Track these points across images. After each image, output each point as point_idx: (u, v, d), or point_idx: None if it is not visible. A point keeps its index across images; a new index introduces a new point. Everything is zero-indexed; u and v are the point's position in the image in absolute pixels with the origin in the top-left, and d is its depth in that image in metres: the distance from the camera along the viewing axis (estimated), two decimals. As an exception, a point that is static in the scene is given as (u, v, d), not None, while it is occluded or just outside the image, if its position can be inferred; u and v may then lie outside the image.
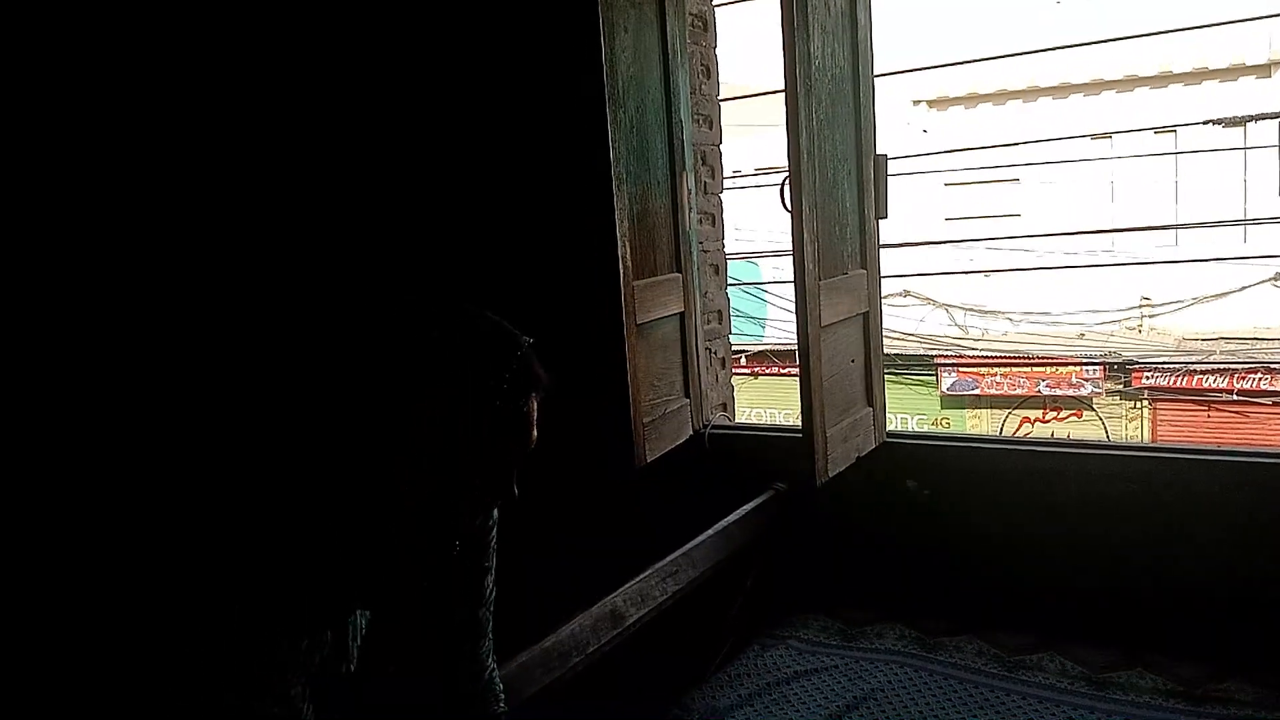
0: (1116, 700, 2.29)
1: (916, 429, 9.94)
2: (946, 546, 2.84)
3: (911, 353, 11.27)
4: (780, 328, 11.54)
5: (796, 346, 2.65)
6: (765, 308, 11.82)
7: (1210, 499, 2.52)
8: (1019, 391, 10.90)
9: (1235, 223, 9.03)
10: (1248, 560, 2.48)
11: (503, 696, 1.72)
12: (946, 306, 11.55)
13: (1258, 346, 9.40)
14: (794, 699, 2.39)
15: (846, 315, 2.71)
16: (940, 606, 2.76)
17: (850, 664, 2.53)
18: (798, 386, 2.63)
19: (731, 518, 2.83)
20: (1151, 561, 2.59)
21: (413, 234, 3.13)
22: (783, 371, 11.97)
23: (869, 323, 2.84)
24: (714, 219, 3.43)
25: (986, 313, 11.33)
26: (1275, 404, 9.05)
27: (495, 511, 1.62)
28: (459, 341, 1.39)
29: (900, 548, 2.92)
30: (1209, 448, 2.60)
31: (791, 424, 2.88)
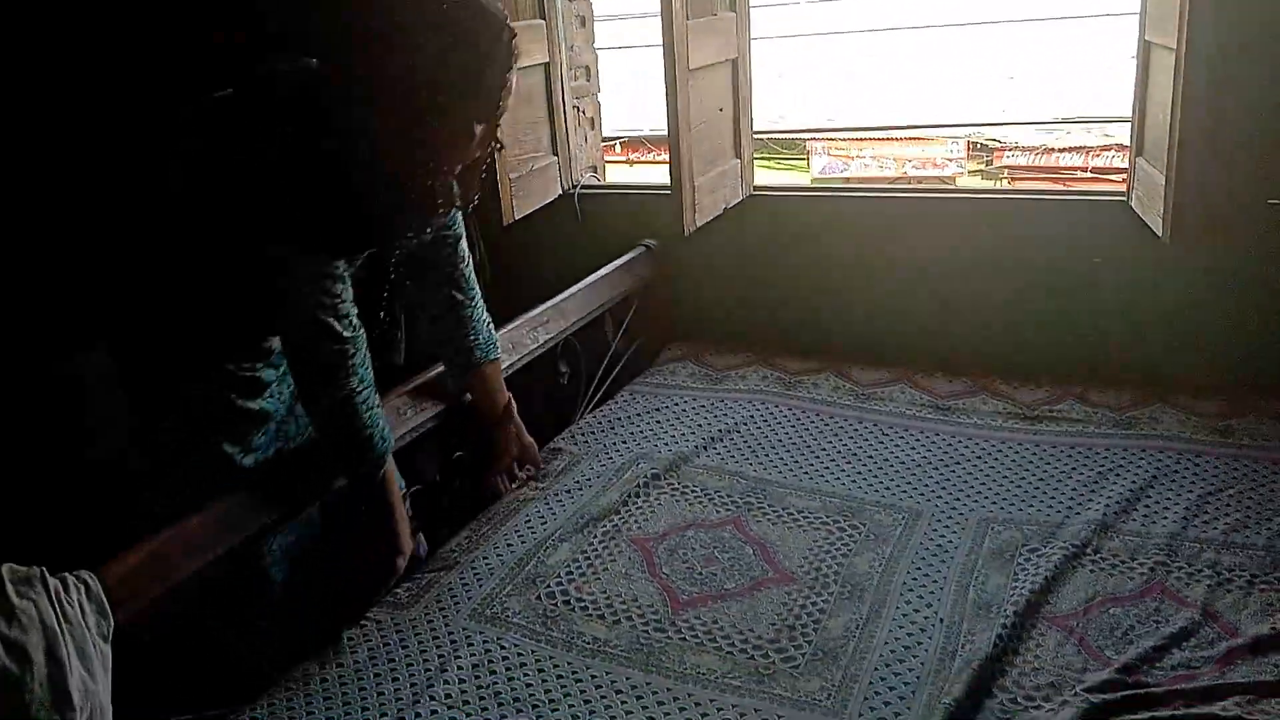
0: (960, 423, 2.46)
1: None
2: (809, 294, 2.94)
3: (785, 136, 11.28)
4: (656, 114, 11.33)
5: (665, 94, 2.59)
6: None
7: (1055, 238, 2.64)
8: (888, 173, 11.08)
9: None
10: (1086, 295, 2.64)
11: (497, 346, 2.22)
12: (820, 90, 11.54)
13: (1111, 135, 9.72)
14: (662, 434, 2.49)
15: (715, 60, 2.66)
16: (802, 350, 2.87)
17: (715, 403, 2.64)
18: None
19: (601, 272, 2.84)
20: (1000, 299, 2.73)
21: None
22: (658, 159, 11.86)
23: (737, 70, 2.80)
24: (579, -35, 3.27)
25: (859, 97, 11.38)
26: (1123, 180, 9.44)
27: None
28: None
29: (765, 297, 3.00)
30: (1054, 188, 2.71)
31: (663, 183, 2.86)
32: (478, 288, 2.17)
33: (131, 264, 1.87)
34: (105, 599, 1.46)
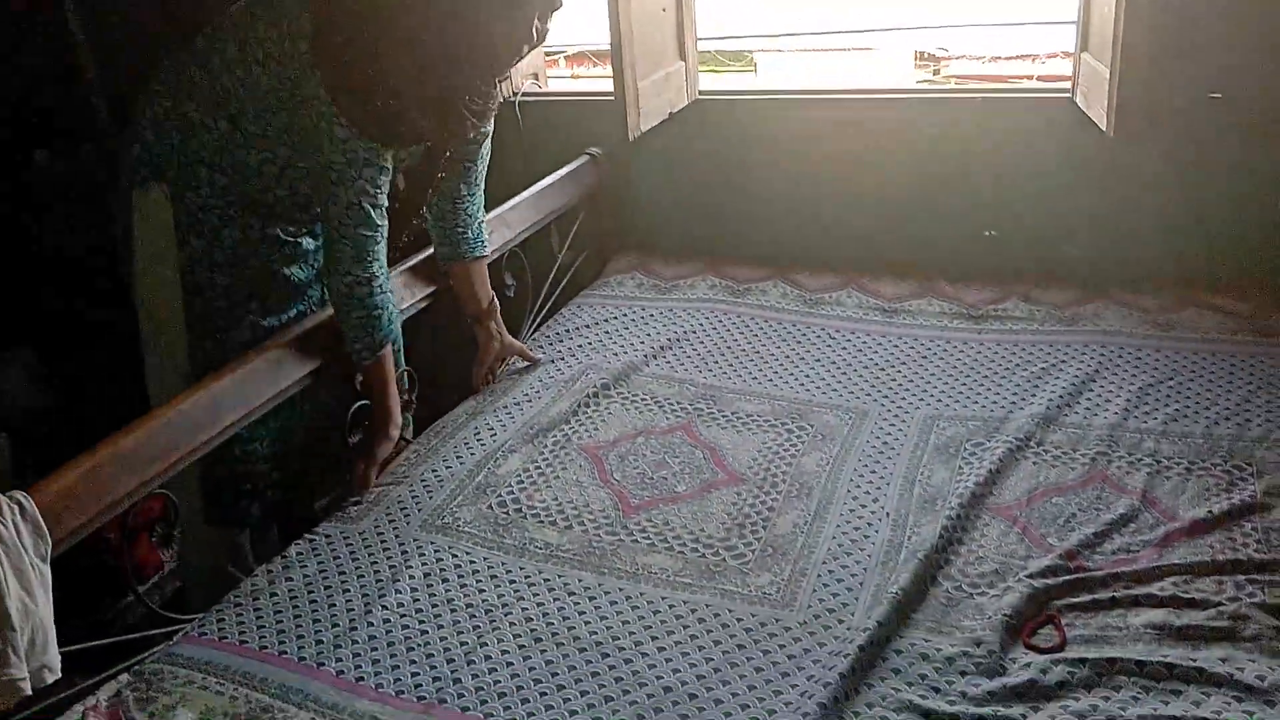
0: (906, 325, 2.47)
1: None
2: (756, 200, 2.91)
3: (728, 41, 11.10)
4: (599, 25, 11.06)
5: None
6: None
7: (1001, 136, 2.63)
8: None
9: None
10: (1031, 193, 2.64)
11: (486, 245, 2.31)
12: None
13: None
14: (611, 344, 2.47)
15: (656, -43, 2.58)
16: (750, 257, 2.85)
17: (664, 313, 2.62)
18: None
19: (545, 181, 2.78)
20: (946, 199, 2.72)
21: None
22: (604, 74, 11.62)
23: (679, -31, 2.72)
24: None
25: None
26: (1069, 78, 9.40)
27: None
28: None
29: (712, 205, 2.97)
30: (1002, 86, 2.69)
31: (606, 90, 2.79)
32: (482, 185, 2.26)
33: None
34: (40, 519, 1.43)
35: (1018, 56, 9.86)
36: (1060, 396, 2.09)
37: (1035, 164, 2.61)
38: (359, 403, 2.11)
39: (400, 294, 2.21)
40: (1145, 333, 2.31)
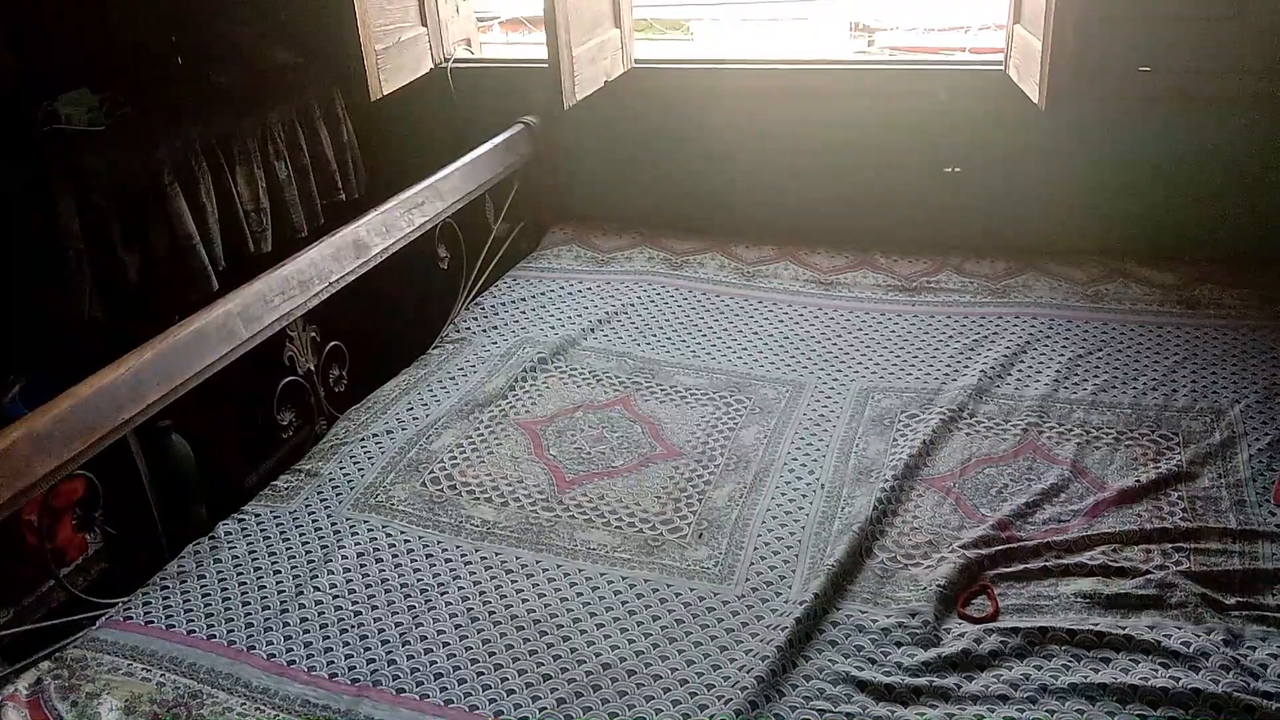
0: (842, 296, 2.47)
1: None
2: (694, 171, 2.89)
3: (664, 6, 11.01)
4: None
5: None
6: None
7: (935, 108, 2.63)
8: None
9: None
10: (964, 165, 2.66)
11: None
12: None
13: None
14: (548, 318, 2.44)
15: (590, -79, 2.53)
16: (688, 229, 2.83)
17: (602, 285, 2.59)
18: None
19: (479, 150, 2.73)
20: (881, 171, 2.72)
21: None
22: (538, 43, 11.44)
23: (615, -67, 2.67)
24: None
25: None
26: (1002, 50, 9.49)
27: None
28: None
29: (650, 176, 2.94)
30: (935, 57, 2.69)
31: (540, 57, 2.73)
32: None
33: None
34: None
35: (951, 28, 9.95)
36: (992, 368, 2.11)
37: (968, 136, 2.63)
38: (286, 379, 2.06)
39: (329, 266, 2.16)
40: (1075, 304, 2.35)
